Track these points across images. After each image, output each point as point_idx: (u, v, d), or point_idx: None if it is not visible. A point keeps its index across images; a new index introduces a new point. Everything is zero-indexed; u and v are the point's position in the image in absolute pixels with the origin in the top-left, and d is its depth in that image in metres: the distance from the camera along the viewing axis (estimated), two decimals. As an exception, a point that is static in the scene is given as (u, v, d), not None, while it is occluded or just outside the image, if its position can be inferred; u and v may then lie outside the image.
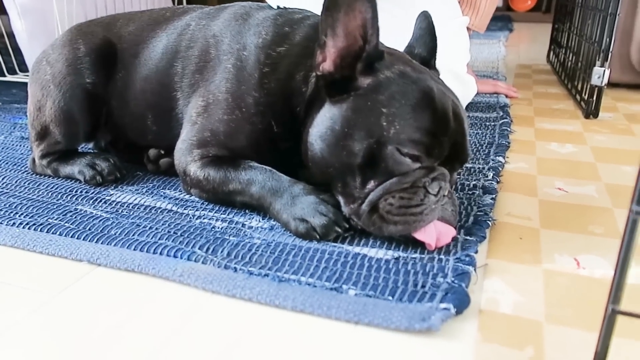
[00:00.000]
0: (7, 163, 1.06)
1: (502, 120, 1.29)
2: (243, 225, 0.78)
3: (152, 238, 0.73)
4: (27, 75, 1.69)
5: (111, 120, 1.00)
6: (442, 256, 0.68)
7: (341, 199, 0.73)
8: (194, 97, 0.87)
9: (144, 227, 0.77)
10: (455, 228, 0.71)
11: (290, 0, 1.30)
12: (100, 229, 0.77)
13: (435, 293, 0.60)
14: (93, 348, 0.55)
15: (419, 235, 0.68)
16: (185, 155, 0.85)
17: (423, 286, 0.61)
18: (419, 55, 0.84)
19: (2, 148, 1.16)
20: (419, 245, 0.69)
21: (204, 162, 0.83)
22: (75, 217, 0.81)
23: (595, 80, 1.35)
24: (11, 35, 1.65)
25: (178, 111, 0.90)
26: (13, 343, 0.56)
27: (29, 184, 0.95)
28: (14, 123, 1.36)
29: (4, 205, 0.86)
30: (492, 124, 1.28)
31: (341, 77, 0.72)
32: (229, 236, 0.74)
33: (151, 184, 0.95)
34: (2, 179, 0.98)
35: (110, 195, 0.90)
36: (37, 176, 1.00)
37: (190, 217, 0.81)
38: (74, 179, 0.97)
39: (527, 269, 0.68)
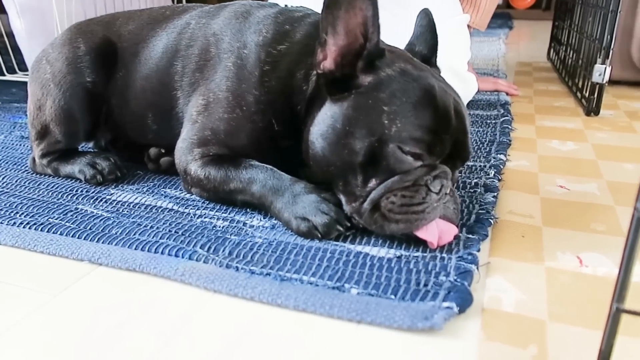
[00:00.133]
0: (7, 162, 1.06)
1: (503, 118, 1.29)
2: (244, 224, 0.78)
3: (153, 237, 0.73)
4: (27, 75, 1.69)
5: (111, 119, 1.00)
6: (444, 255, 0.67)
7: (342, 198, 0.73)
8: (195, 95, 0.87)
9: (145, 226, 0.77)
10: (457, 226, 0.71)
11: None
12: (101, 228, 0.77)
13: (438, 292, 0.59)
14: (94, 348, 0.55)
15: (421, 234, 0.68)
16: (186, 154, 0.85)
17: (425, 285, 0.61)
18: (419, 53, 0.84)
19: (2, 147, 1.16)
20: (421, 244, 0.69)
21: (205, 161, 0.83)
22: (76, 217, 0.80)
23: (596, 77, 1.35)
24: (10, 35, 1.64)
25: (178, 110, 0.90)
26: (14, 343, 0.56)
27: (29, 183, 0.95)
28: (13, 122, 1.36)
29: (5, 204, 0.85)
30: (493, 121, 1.28)
31: (342, 75, 0.72)
32: (231, 235, 0.74)
33: (152, 183, 0.94)
34: (3, 178, 0.98)
35: (111, 194, 0.90)
36: (38, 175, 0.99)
37: (192, 216, 0.80)
38: (75, 178, 0.96)
39: (529, 267, 0.68)
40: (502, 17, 3.38)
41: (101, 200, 0.87)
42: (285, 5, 0.91)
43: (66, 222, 0.79)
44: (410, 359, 0.52)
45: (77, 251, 0.71)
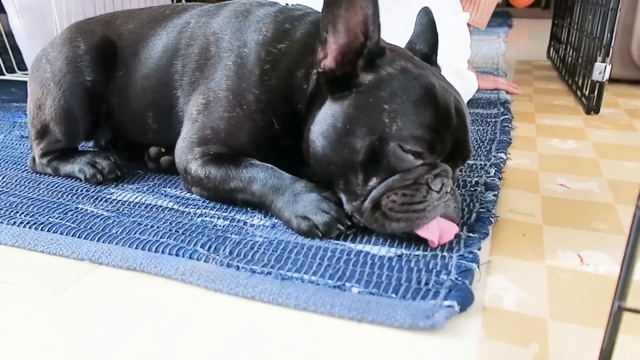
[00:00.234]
0: (6, 162, 1.06)
1: (503, 117, 1.29)
2: (245, 223, 0.77)
3: (153, 237, 0.73)
4: (26, 74, 1.68)
5: (111, 118, 0.99)
6: (445, 253, 0.67)
7: (343, 197, 0.73)
8: (195, 95, 0.87)
9: (145, 225, 0.77)
10: (458, 225, 0.71)
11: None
12: (102, 227, 0.77)
13: (439, 290, 0.59)
14: (95, 347, 0.55)
15: (421, 233, 0.68)
16: (186, 153, 0.85)
17: (426, 283, 0.61)
18: (420, 52, 0.84)
19: (2, 147, 1.16)
20: (422, 243, 0.69)
21: (205, 160, 0.83)
22: (76, 216, 0.80)
23: (596, 75, 1.35)
24: (9, 34, 1.64)
25: (179, 109, 0.90)
26: (14, 343, 0.56)
27: (29, 182, 0.95)
28: (13, 122, 1.36)
29: (5, 204, 0.85)
30: (493, 120, 1.27)
31: (342, 74, 0.72)
32: (231, 234, 0.74)
33: (152, 182, 0.94)
34: (2, 177, 0.97)
35: (111, 193, 0.89)
36: (37, 175, 0.99)
37: (192, 216, 0.80)
38: (75, 178, 0.96)
39: (530, 266, 0.68)
40: (502, 16, 3.38)
41: (101, 199, 0.87)
42: (286, 4, 0.91)
43: (66, 221, 0.79)
44: (411, 357, 0.52)
45: (78, 250, 0.71)
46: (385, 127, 0.68)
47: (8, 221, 0.79)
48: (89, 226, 0.77)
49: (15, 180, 0.96)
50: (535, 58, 2.18)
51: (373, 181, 0.69)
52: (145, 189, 0.91)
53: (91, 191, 0.90)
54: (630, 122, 1.32)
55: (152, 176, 0.97)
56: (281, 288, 0.61)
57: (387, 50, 0.73)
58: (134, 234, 0.74)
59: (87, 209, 0.83)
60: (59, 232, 0.76)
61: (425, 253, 0.68)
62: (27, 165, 1.03)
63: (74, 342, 0.55)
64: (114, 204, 0.85)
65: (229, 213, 0.81)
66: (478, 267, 0.65)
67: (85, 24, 1.01)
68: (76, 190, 0.91)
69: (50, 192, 0.90)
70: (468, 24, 1.43)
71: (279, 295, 0.60)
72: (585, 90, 1.44)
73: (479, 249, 0.69)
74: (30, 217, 0.80)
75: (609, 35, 1.32)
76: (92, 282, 0.66)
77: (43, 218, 0.80)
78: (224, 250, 0.69)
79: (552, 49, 2.12)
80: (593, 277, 0.65)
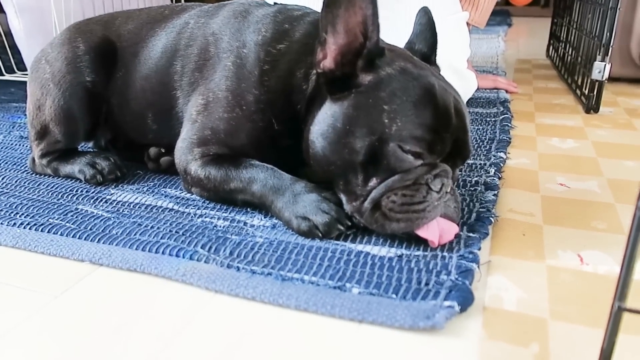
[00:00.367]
0: (6, 163, 1.06)
1: (503, 116, 1.29)
2: (245, 223, 0.77)
3: (154, 237, 0.73)
4: (25, 74, 1.68)
5: (111, 119, 0.99)
6: (445, 253, 0.67)
7: (343, 197, 0.73)
8: (194, 95, 0.87)
9: (145, 226, 0.77)
10: (458, 225, 0.71)
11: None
12: (102, 228, 0.77)
13: (439, 291, 0.59)
14: (96, 349, 0.55)
15: (421, 233, 0.68)
16: (186, 154, 0.85)
17: (427, 284, 0.61)
18: (419, 52, 0.84)
19: (2, 147, 1.16)
20: (422, 243, 0.69)
21: (205, 160, 0.83)
22: (77, 217, 0.80)
23: (595, 74, 1.35)
24: (8, 34, 1.64)
25: (178, 110, 0.90)
26: (15, 345, 0.56)
27: (29, 183, 0.95)
28: (12, 122, 1.36)
29: (5, 205, 0.85)
30: (493, 119, 1.27)
31: (342, 74, 0.72)
32: (231, 235, 0.74)
33: (152, 183, 0.94)
34: (2, 178, 0.97)
35: (111, 194, 0.89)
36: (37, 176, 0.99)
37: (192, 216, 0.80)
38: (75, 178, 0.96)
39: (530, 266, 0.68)
40: (501, 14, 3.38)
41: (101, 200, 0.87)
42: (284, 4, 0.91)
43: (66, 222, 0.79)
44: (412, 358, 0.52)
45: (78, 252, 0.71)
46: (384, 127, 0.68)
47: (8, 222, 0.79)
48: (89, 227, 0.77)
49: (15, 181, 0.96)
50: (535, 57, 2.18)
51: (373, 181, 0.69)
52: (145, 189, 0.91)
53: (91, 192, 0.90)
54: (629, 121, 1.32)
55: (152, 176, 0.97)
56: (282, 289, 0.61)
57: (386, 50, 0.73)
58: (134, 234, 0.74)
59: (87, 210, 0.83)
60: (59, 233, 0.76)
61: (426, 253, 0.68)
62: (26, 166, 1.03)
63: (75, 344, 0.55)
64: (114, 204, 0.85)
65: (229, 214, 0.81)
66: (478, 267, 0.65)
67: (85, 24, 1.01)
68: (76, 191, 0.91)
69: (50, 193, 0.90)
70: (467, 23, 1.43)
71: (280, 296, 0.60)
72: (585, 89, 1.44)
73: (479, 249, 0.69)
74: (30, 218, 0.80)
75: (608, 34, 1.32)
76: (93, 284, 0.66)
77: (43, 219, 0.80)
78: (224, 251, 0.70)
79: (551, 47, 2.12)
80: (593, 277, 0.66)
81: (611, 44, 1.32)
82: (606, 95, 1.42)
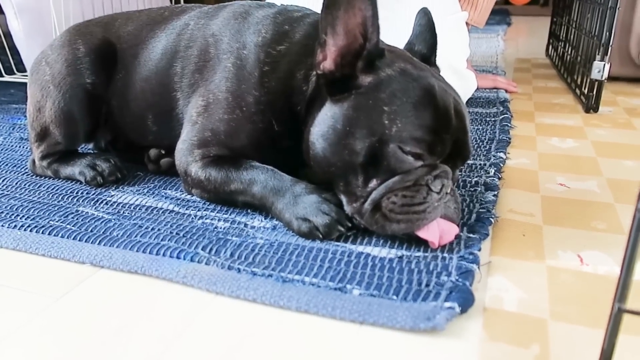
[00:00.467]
0: (6, 164, 1.06)
1: (503, 116, 1.29)
2: (245, 225, 0.78)
3: (154, 239, 0.73)
4: (25, 76, 1.68)
5: (111, 120, 1.00)
6: (445, 254, 0.67)
7: (343, 198, 0.73)
8: (194, 96, 0.87)
9: (146, 228, 0.77)
10: (458, 226, 0.71)
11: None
12: (102, 230, 0.77)
13: (440, 292, 0.60)
14: (97, 352, 0.55)
15: (422, 234, 0.68)
16: (186, 155, 0.85)
17: (427, 285, 0.61)
18: (419, 52, 0.84)
19: (2, 149, 1.16)
20: (422, 244, 0.69)
21: (205, 162, 0.83)
22: (77, 219, 0.80)
23: (595, 74, 1.35)
24: (8, 35, 1.64)
25: (178, 111, 0.90)
26: (16, 348, 0.56)
27: (29, 185, 0.95)
28: (12, 124, 1.36)
29: (5, 207, 0.85)
30: (493, 119, 1.28)
31: (342, 76, 0.72)
32: (232, 236, 0.74)
33: (152, 184, 0.94)
34: (3, 180, 0.97)
35: (112, 196, 0.90)
36: (38, 177, 0.99)
37: (192, 218, 0.80)
38: (75, 180, 0.96)
39: (530, 266, 0.68)
40: (500, 14, 3.38)
41: (102, 202, 0.87)
42: (282, 5, 0.91)
43: (67, 224, 0.79)
44: (413, 359, 0.53)
45: (79, 254, 0.71)
46: (385, 128, 0.68)
47: (9, 224, 0.79)
48: (89, 229, 0.77)
49: (16, 183, 0.96)
50: (534, 56, 2.18)
51: (373, 183, 0.69)
52: (145, 191, 0.91)
53: (91, 194, 0.91)
54: (629, 120, 1.32)
55: (152, 178, 0.97)
56: (282, 291, 0.61)
57: (386, 51, 0.73)
58: (135, 236, 0.74)
59: (87, 212, 0.83)
60: (59, 235, 0.76)
61: (426, 254, 0.68)
62: (27, 168, 1.03)
63: (76, 347, 0.56)
64: (114, 206, 0.85)
65: (230, 215, 0.81)
66: (478, 268, 0.65)
67: (85, 26, 1.01)
68: (76, 192, 0.91)
69: (51, 195, 0.90)
70: (466, 23, 1.43)
71: (280, 298, 0.60)
72: (584, 89, 1.44)
73: (479, 249, 0.69)
74: (30, 220, 0.80)
75: (607, 33, 1.32)
76: (94, 286, 0.66)
77: (44, 221, 0.80)
78: (224, 252, 0.70)
79: (550, 46, 2.12)
80: (593, 277, 0.66)
81: (610, 44, 1.32)
82: (605, 94, 1.42)
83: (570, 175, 0.98)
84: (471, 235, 0.72)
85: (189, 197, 0.88)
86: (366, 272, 0.64)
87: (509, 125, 1.24)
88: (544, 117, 1.35)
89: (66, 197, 0.89)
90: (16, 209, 0.84)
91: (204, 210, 0.83)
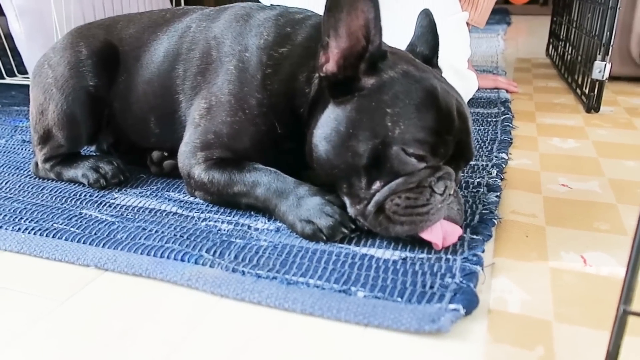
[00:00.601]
0: (9, 167, 1.06)
1: (504, 116, 1.29)
2: (249, 227, 0.78)
3: (158, 242, 0.73)
4: (26, 77, 1.69)
5: (113, 122, 1.00)
6: (449, 256, 0.68)
7: (347, 200, 0.73)
8: (197, 99, 0.87)
9: (149, 230, 0.77)
10: (461, 227, 0.71)
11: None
12: (106, 233, 0.77)
13: (444, 294, 0.60)
14: (102, 355, 0.55)
15: (425, 235, 0.68)
16: (189, 158, 0.85)
17: (432, 287, 0.61)
18: (421, 54, 0.84)
19: (4, 152, 1.16)
20: (426, 245, 0.69)
21: (208, 164, 0.83)
22: (81, 222, 0.81)
23: (596, 74, 1.35)
24: (9, 37, 1.64)
25: (181, 113, 0.90)
26: (21, 351, 0.56)
27: (32, 188, 0.95)
28: (14, 126, 1.36)
29: (9, 210, 0.85)
30: (494, 119, 1.28)
31: (344, 78, 0.72)
32: (236, 239, 0.74)
33: (155, 187, 0.94)
34: (6, 183, 0.98)
35: (115, 198, 0.90)
36: (40, 180, 0.99)
37: (196, 220, 0.81)
38: (78, 183, 0.96)
39: (534, 267, 0.68)
40: (500, 13, 3.38)
41: (105, 204, 0.87)
42: (285, 7, 0.91)
43: (71, 227, 0.79)
44: (418, 361, 0.53)
45: (83, 257, 0.71)
46: (388, 130, 0.68)
47: (13, 227, 0.79)
48: (93, 232, 0.77)
49: (19, 186, 0.96)
50: (535, 56, 2.18)
51: (376, 185, 0.69)
52: (148, 193, 0.92)
53: (95, 196, 0.91)
54: (630, 120, 1.33)
55: (155, 180, 0.98)
56: (287, 293, 0.61)
57: (388, 53, 0.73)
58: (139, 239, 0.75)
59: (91, 215, 0.83)
60: (64, 238, 0.76)
61: (430, 256, 0.68)
62: (29, 170, 1.03)
63: (81, 350, 0.56)
64: (117, 208, 0.86)
65: (233, 217, 0.81)
66: (482, 269, 0.65)
67: (87, 28, 1.01)
68: (80, 195, 0.91)
69: (54, 198, 0.90)
70: (467, 23, 1.43)
71: (285, 300, 0.61)
72: (585, 89, 1.44)
73: (483, 251, 0.69)
74: (34, 223, 0.80)
75: (608, 33, 1.32)
76: (98, 289, 0.66)
77: (48, 224, 0.80)
78: (229, 255, 0.70)
79: (551, 46, 2.12)
80: (596, 279, 0.66)
81: (611, 44, 1.32)
82: (606, 94, 1.42)
83: (572, 175, 0.98)
84: (474, 236, 0.72)
85: (192, 199, 0.88)
86: (370, 274, 0.65)
87: (511, 125, 1.24)
88: (545, 117, 1.35)
89: (69, 199, 0.90)
90: (20, 212, 0.85)
91: (207, 213, 0.83)
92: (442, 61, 0.87)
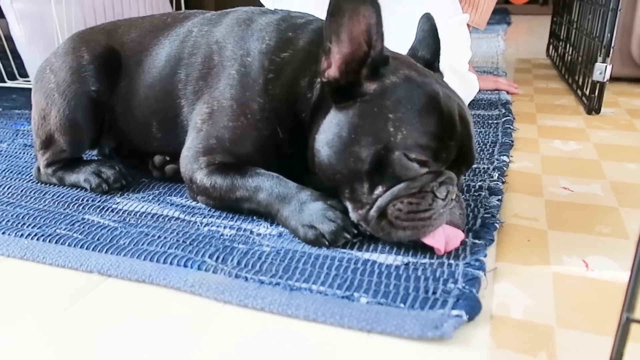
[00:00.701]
0: (11, 172, 1.06)
1: (505, 118, 1.29)
2: (251, 232, 0.78)
3: (161, 247, 0.74)
4: (27, 81, 1.69)
5: (115, 127, 1.00)
6: (451, 261, 0.68)
7: (349, 205, 0.73)
8: (199, 104, 0.87)
9: (152, 236, 0.77)
10: (463, 232, 0.71)
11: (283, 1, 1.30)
12: (109, 239, 0.77)
13: (447, 299, 0.60)
14: (108, 362, 0.55)
15: (428, 240, 0.68)
16: (192, 162, 0.85)
17: (434, 292, 0.62)
18: (422, 58, 0.84)
19: (6, 156, 1.16)
20: (428, 250, 0.69)
21: (211, 169, 0.83)
22: (84, 227, 0.81)
23: (597, 76, 1.35)
24: (10, 39, 1.64)
25: (183, 118, 0.90)
26: (24, 358, 0.56)
27: (34, 193, 0.95)
28: (16, 130, 1.36)
29: (12, 215, 0.86)
30: (495, 122, 1.28)
31: (346, 83, 0.72)
32: (238, 244, 0.74)
33: (157, 191, 0.95)
34: (8, 188, 0.98)
35: (117, 203, 0.90)
36: (43, 185, 0.99)
37: (198, 225, 0.81)
38: (80, 187, 0.97)
39: (536, 272, 0.68)
40: (500, 13, 3.38)
41: (107, 209, 0.87)
42: (287, 12, 0.91)
43: (74, 232, 0.79)
44: (421, 368, 0.53)
45: (86, 263, 0.71)
46: (390, 136, 0.68)
47: (15, 233, 0.79)
48: (96, 237, 0.77)
49: (21, 191, 0.96)
50: (535, 56, 2.18)
51: (379, 190, 0.69)
52: (150, 198, 0.92)
53: (97, 201, 0.91)
54: (631, 121, 1.33)
55: (157, 185, 0.98)
56: (290, 299, 0.62)
57: (390, 58, 0.73)
58: (142, 245, 0.75)
59: (93, 220, 0.83)
60: (66, 244, 0.76)
61: (432, 261, 0.68)
62: (31, 175, 1.03)
63: (84, 357, 0.56)
64: (120, 214, 0.86)
65: (235, 222, 0.81)
66: (484, 274, 0.65)
67: (88, 33, 1.01)
68: (82, 200, 0.91)
69: (57, 203, 0.91)
70: (467, 25, 1.43)
71: (288, 306, 0.61)
72: (586, 90, 1.44)
73: (485, 255, 0.69)
74: (37, 228, 0.81)
75: (609, 35, 1.32)
76: (102, 295, 0.67)
77: (50, 230, 0.80)
78: (232, 260, 0.70)
79: (551, 46, 2.12)
80: (599, 283, 0.66)
81: (612, 46, 1.32)
82: (607, 95, 1.43)
83: (574, 178, 0.98)
84: (476, 241, 0.72)
85: (194, 204, 0.89)
86: (373, 279, 0.65)
87: (512, 127, 1.24)
88: (546, 119, 1.35)
89: (72, 204, 0.90)
90: (22, 217, 0.85)
91: (210, 218, 0.83)
92: (443, 63, 0.87)
